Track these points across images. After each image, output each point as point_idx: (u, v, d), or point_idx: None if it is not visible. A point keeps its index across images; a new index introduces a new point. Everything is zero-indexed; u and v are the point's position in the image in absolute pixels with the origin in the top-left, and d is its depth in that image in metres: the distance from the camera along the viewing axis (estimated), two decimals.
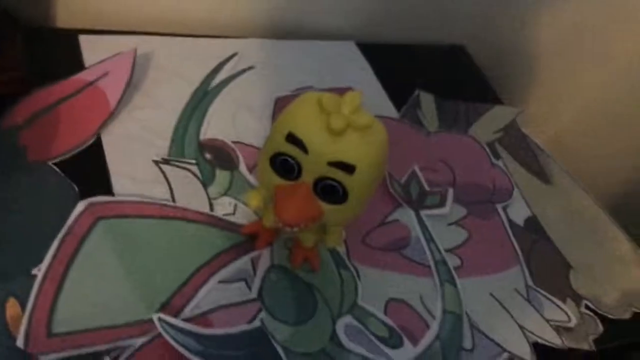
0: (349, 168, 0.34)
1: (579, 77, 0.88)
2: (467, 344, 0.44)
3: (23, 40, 0.48)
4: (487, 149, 0.59)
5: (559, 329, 0.47)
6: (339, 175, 0.34)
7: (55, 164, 0.43)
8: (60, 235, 0.39)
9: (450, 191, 0.53)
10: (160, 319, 0.37)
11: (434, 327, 0.43)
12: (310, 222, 0.36)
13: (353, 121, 0.34)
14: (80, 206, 0.41)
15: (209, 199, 0.45)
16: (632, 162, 0.93)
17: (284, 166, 0.35)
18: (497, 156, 0.59)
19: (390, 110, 0.59)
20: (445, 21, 0.71)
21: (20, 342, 0.34)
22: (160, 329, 0.36)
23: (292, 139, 0.34)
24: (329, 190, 0.35)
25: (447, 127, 0.60)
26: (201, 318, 0.39)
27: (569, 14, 0.78)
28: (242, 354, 0.38)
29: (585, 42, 0.83)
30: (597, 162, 0.90)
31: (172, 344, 0.36)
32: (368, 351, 0.40)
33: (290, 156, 0.35)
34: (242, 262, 0.43)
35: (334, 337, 0.40)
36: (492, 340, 0.44)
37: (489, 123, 0.62)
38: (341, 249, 0.46)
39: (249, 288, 0.41)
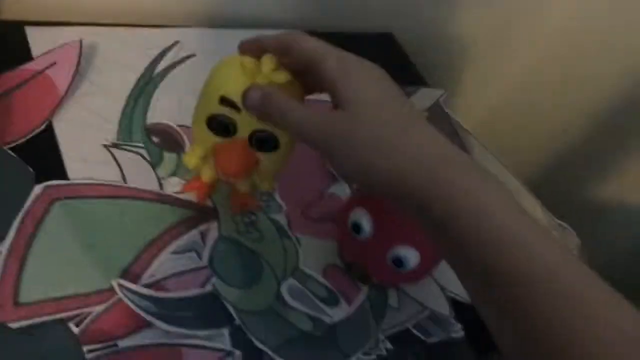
0: None
1: (506, 62, 0.95)
2: (394, 302, 0.49)
3: None
4: None
5: None
6: (269, 126, 0.40)
7: (10, 148, 0.45)
8: (19, 216, 0.41)
9: None
10: (119, 285, 0.40)
11: (365, 289, 0.49)
12: (250, 170, 0.42)
13: (274, 79, 0.39)
14: (38, 189, 0.43)
15: (158, 179, 0.49)
16: (549, 145, 1.02)
17: (221, 126, 0.40)
18: None
19: (323, 95, 0.64)
20: (373, 9, 0.76)
21: None
22: (119, 294, 0.40)
23: (225, 101, 0.39)
24: (263, 141, 0.41)
25: None
26: (156, 285, 0.42)
27: (493, 3, 0.84)
28: (195, 314, 0.42)
29: (512, 27, 0.89)
30: (519, 142, 0.98)
31: (131, 307, 0.40)
32: (309, 308, 0.45)
33: (225, 116, 0.40)
34: (192, 235, 0.46)
35: (279, 296, 0.45)
36: (414, 299, 0.50)
37: (415, 103, 0.67)
38: (283, 221, 0.50)
39: (200, 258, 0.45)
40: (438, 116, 0.68)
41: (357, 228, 0.45)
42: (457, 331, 0.49)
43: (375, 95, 0.36)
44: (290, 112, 0.36)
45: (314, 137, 0.36)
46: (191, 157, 0.45)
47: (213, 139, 0.41)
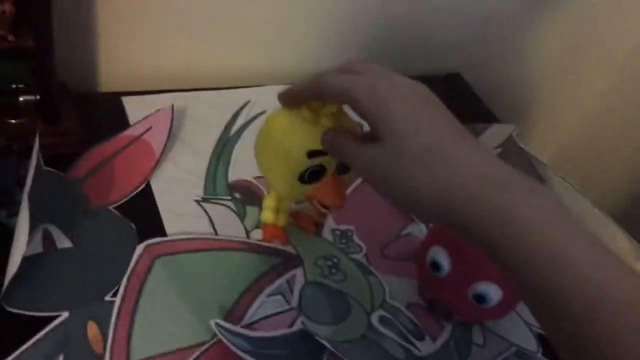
0: None
1: (576, 90, 0.94)
2: (478, 339, 0.49)
3: (76, 106, 0.56)
4: None
5: None
6: None
7: (114, 208, 0.50)
8: (126, 275, 0.46)
9: None
10: (217, 324, 0.44)
11: (448, 328, 0.49)
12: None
13: (330, 111, 0.40)
14: (139, 248, 0.48)
15: (245, 228, 0.52)
16: (631, 172, 0.99)
17: (315, 175, 0.42)
18: None
19: None
20: (439, 51, 0.78)
21: None
22: (217, 333, 0.43)
23: (313, 154, 0.41)
24: (344, 166, 0.43)
25: None
26: (249, 327, 0.45)
27: (561, 30, 0.84)
28: (287, 352, 0.44)
29: (580, 54, 0.89)
30: (598, 171, 0.96)
31: (227, 345, 0.43)
32: (400, 338, 0.47)
33: (319, 165, 0.42)
34: (280, 282, 0.49)
35: (370, 326, 0.47)
36: (500, 336, 0.50)
37: (488, 140, 0.68)
38: (363, 260, 0.52)
39: (287, 302, 0.48)
40: (512, 151, 0.68)
41: (436, 266, 0.46)
42: None
43: (412, 121, 0.34)
44: (348, 151, 0.37)
45: (362, 174, 0.37)
46: (267, 215, 0.48)
47: (307, 189, 0.43)
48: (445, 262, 0.45)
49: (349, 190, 0.57)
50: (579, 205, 0.64)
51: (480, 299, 0.44)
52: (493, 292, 0.44)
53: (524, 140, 0.70)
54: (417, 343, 0.47)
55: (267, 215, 0.47)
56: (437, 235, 0.48)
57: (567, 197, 0.65)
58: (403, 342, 0.47)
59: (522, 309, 0.51)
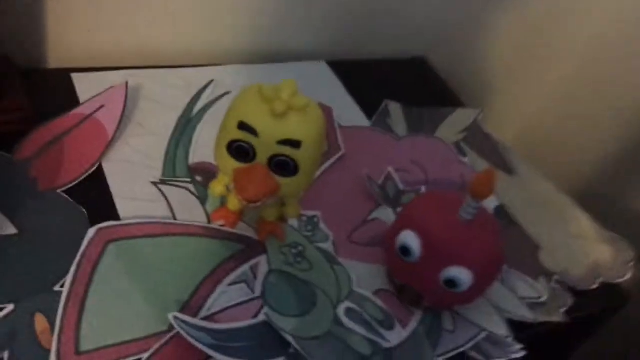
0: (295, 144, 0.41)
1: (539, 75, 0.94)
2: (449, 325, 0.48)
3: (22, 82, 0.52)
4: (454, 148, 0.64)
5: (533, 305, 0.52)
6: (288, 151, 0.41)
7: (63, 191, 0.46)
8: (76, 260, 0.42)
9: (423, 189, 0.58)
10: (175, 318, 0.41)
11: (418, 314, 0.48)
12: (269, 195, 0.42)
13: (293, 104, 0.40)
14: (91, 232, 0.44)
15: (207, 213, 0.50)
16: (592, 155, 1.00)
17: (240, 151, 0.41)
18: (464, 154, 0.64)
19: (363, 121, 0.65)
20: (405, 35, 0.77)
21: None
22: (176, 326, 0.40)
23: (243, 126, 0.40)
24: (282, 166, 0.41)
25: (415, 132, 0.65)
26: (210, 318, 0.43)
27: (525, 15, 0.84)
28: (250, 345, 0.42)
29: (543, 39, 0.89)
30: (561, 155, 0.97)
31: (187, 339, 0.40)
32: (367, 331, 0.45)
33: (244, 142, 0.41)
34: (243, 269, 0.47)
35: (336, 320, 0.45)
36: (470, 321, 0.49)
37: (453, 125, 0.67)
38: (330, 249, 0.50)
39: (252, 291, 0.46)
40: (477, 135, 0.67)
41: (405, 251, 0.44)
42: (517, 352, 0.47)
43: None
44: None
45: None
46: (216, 186, 0.47)
47: (234, 164, 0.42)
48: (415, 246, 0.44)
49: (316, 174, 0.55)
50: (542, 189, 0.64)
51: (452, 283, 0.43)
52: (464, 277, 0.43)
53: (488, 124, 0.70)
54: (386, 333, 0.45)
55: (215, 186, 0.46)
56: (406, 219, 0.46)
57: (531, 181, 0.65)
58: (370, 335, 0.45)
59: (492, 293, 0.50)
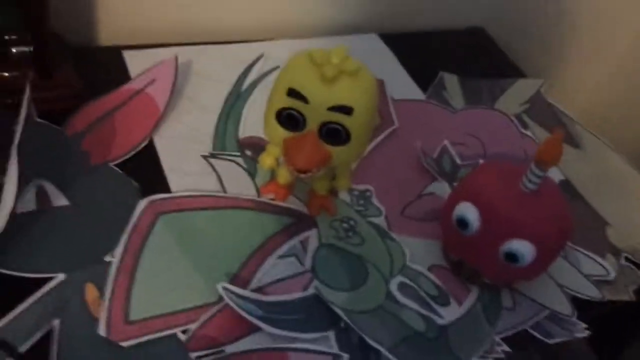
0: (347, 110, 0.39)
1: (607, 42, 0.88)
2: (508, 303, 0.46)
3: (72, 59, 0.52)
4: (515, 120, 0.61)
5: (599, 283, 0.48)
6: (340, 118, 0.39)
7: (115, 165, 0.47)
8: (127, 232, 0.42)
9: (482, 162, 0.55)
10: (225, 288, 0.40)
11: (475, 291, 0.46)
12: (320, 164, 0.40)
13: (344, 68, 0.38)
14: (142, 204, 0.44)
15: (256, 186, 0.49)
16: None
17: (290, 119, 0.40)
18: (525, 126, 0.61)
19: (417, 94, 0.62)
20: (462, 5, 0.73)
21: (102, 331, 0.37)
22: (225, 297, 0.40)
23: (293, 93, 0.39)
24: (333, 133, 0.39)
25: (473, 104, 0.62)
26: (260, 291, 0.42)
27: None
28: (300, 318, 0.41)
29: (607, 10, 0.83)
30: (625, 129, 0.91)
31: (237, 313, 0.39)
32: (420, 307, 0.43)
33: (294, 109, 0.39)
34: (293, 243, 0.46)
35: (389, 295, 0.43)
36: (531, 299, 0.46)
37: (514, 96, 0.64)
38: (383, 224, 0.48)
39: (301, 263, 0.45)
40: (540, 107, 0.64)
41: (463, 223, 0.42)
42: (581, 331, 0.45)
43: None
44: None
45: None
46: (266, 158, 0.45)
47: (284, 133, 0.41)
48: (473, 218, 0.41)
49: (369, 148, 0.53)
50: (611, 163, 0.60)
51: (512, 257, 0.41)
52: (526, 250, 0.40)
53: (553, 96, 0.66)
54: (440, 309, 0.44)
55: (264, 159, 0.45)
56: (464, 190, 0.44)
57: (599, 155, 0.61)
58: (424, 311, 0.43)
59: (555, 270, 0.47)
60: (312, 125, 0.40)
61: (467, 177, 0.45)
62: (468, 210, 0.42)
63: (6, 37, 0.48)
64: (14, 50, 0.48)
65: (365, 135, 0.42)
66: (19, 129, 0.39)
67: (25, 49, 0.48)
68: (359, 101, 0.39)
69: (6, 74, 0.48)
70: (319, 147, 0.40)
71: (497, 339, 0.43)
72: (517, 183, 0.41)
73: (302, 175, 0.41)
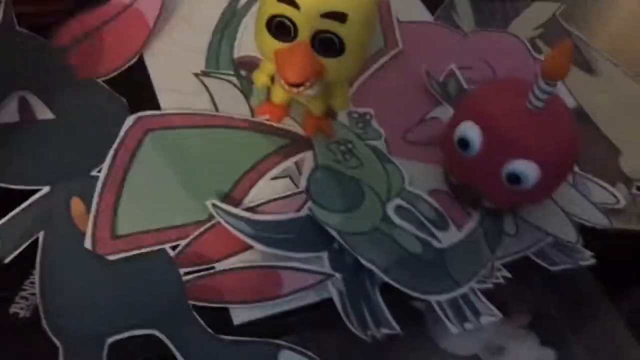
0: (340, 16, 0.36)
1: None
2: (510, 229, 0.44)
3: None
4: (528, 44, 0.58)
5: (608, 211, 0.46)
6: (333, 26, 0.36)
7: (103, 81, 0.45)
8: (113, 147, 0.41)
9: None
10: (215, 205, 0.39)
11: (476, 216, 0.44)
12: (313, 77, 0.38)
13: None
14: (130, 120, 0.43)
15: (250, 107, 0.47)
16: None
17: (280, 28, 0.37)
18: (539, 51, 0.58)
19: (424, 15, 0.59)
20: None
21: (88, 244, 0.37)
22: (215, 215, 0.39)
23: None
24: (326, 43, 0.37)
25: (484, 27, 0.59)
26: (252, 210, 0.41)
27: None
28: (293, 237, 0.40)
29: None
30: None
31: (227, 230, 0.38)
32: (418, 230, 0.42)
33: (284, 16, 0.37)
34: (288, 164, 0.44)
35: (385, 217, 0.42)
36: (534, 225, 0.44)
37: (528, 20, 0.60)
38: (382, 147, 0.47)
39: (295, 185, 0.43)
40: (556, 32, 0.60)
41: (464, 143, 0.40)
42: (587, 259, 0.43)
43: None
44: None
45: None
46: (259, 75, 0.43)
47: (275, 44, 0.38)
48: (475, 137, 0.39)
49: (368, 72, 0.51)
50: (629, 90, 0.57)
51: (516, 179, 0.39)
52: (531, 171, 0.38)
53: (569, 20, 0.62)
54: (438, 233, 0.42)
55: (258, 76, 0.43)
56: (466, 109, 0.41)
57: (616, 82, 0.58)
58: (421, 234, 0.42)
59: (561, 196, 0.45)
60: (304, 34, 0.37)
61: (470, 94, 0.43)
62: (470, 130, 0.40)
63: None
64: None
65: (361, 47, 0.39)
66: None
67: None
68: (353, 7, 0.36)
69: None
70: (311, 58, 0.38)
71: (497, 264, 0.42)
72: (523, 101, 0.39)
73: (295, 90, 0.39)
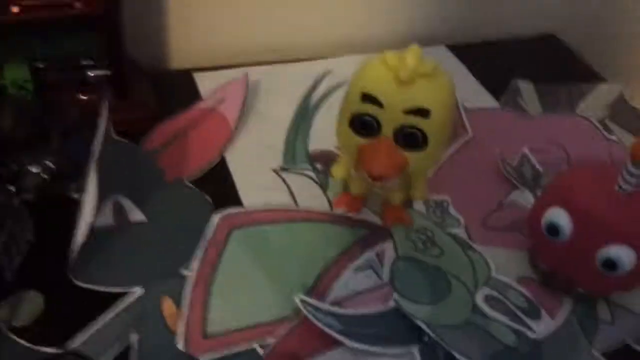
0: (424, 112, 0.37)
1: None
2: (605, 315, 0.42)
3: (148, 82, 0.53)
4: (599, 125, 0.57)
5: None
6: (416, 121, 0.37)
7: (189, 181, 0.47)
8: (202, 246, 0.42)
9: (566, 168, 0.52)
10: (303, 301, 0.39)
11: (568, 303, 0.42)
12: (396, 170, 0.39)
13: (419, 70, 0.37)
14: (216, 219, 0.44)
15: (329, 200, 0.48)
16: None
17: (364, 125, 0.38)
18: (610, 131, 0.57)
19: (490, 102, 0.60)
20: (530, 13, 0.71)
21: (181, 346, 0.37)
22: (304, 310, 0.38)
23: (367, 98, 0.38)
24: (409, 138, 0.38)
25: (551, 111, 0.59)
26: (338, 305, 0.40)
27: None
28: (381, 332, 0.39)
29: None
30: None
31: (315, 326, 0.38)
32: (510, 320, 0.40)
33: (368, 114, 0.38)
34: (369, 255, 0.44)
35: (475, 309, 0.41)
36: (630, 310, 0.42)
37: (595, 101, 0.60)
38: (462, 234, 0.46)
39: (378, 276, 0.43)
40: (624, 111, 0.60)
41: (553, 230, 0.39)
42: None
43: None
44: None
45: None
46: (337, 169, 0.44)
47: (358, 140, 0.39)
48: (565, 223, 0.39)
49: (443, 158, 0.51)
50: None
51: (611, 265, 0.37)
52: (626, 256, 0.37)
53: (636, 101, 0.62)
54: (531, 323, 0.41)
55: (336, 169, 0.44)
56: (553, 195, 0.41)
57: None
58: (514, 325, 0.40)
59: None
60: (387, 130, 0.38)
61: (556, 180, 0.43)
62: (559, 216, 0.39)
63: (84, 63, 0.50)
64: (91, 74, 0.50)
65: (442, 139, 0.40)
66: (96, 144, 0.40)
67: (103, 72, 0.50)
68: (436, 102, 0.38)
69: (85, 97, 0.50)
70: (395, 152, 0.39)
71: (597, 354, 0.39)
72: (612, 185, 0.38)
73: (378, 183, 0.39)
